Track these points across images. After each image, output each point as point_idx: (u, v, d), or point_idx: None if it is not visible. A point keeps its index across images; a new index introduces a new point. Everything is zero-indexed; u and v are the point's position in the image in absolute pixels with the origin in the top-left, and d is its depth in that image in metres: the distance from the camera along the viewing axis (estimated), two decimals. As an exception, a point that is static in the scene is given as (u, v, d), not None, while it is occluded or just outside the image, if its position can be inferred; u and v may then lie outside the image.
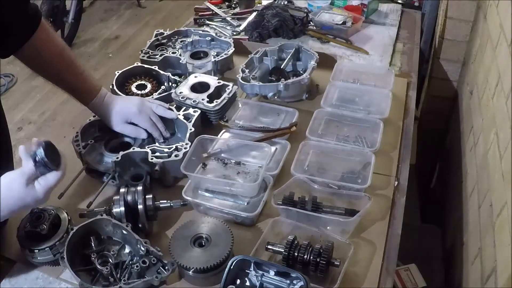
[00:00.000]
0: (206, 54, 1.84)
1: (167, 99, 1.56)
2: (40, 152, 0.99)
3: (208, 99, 1.51)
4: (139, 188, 1.20)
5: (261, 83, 1.61)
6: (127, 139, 1.44)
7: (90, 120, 1.45)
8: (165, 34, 1.90)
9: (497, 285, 1.02)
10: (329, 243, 1.11)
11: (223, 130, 1.51)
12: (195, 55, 1.85)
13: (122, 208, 1.16)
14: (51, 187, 1.02)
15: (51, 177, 1.01)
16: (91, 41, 4.60)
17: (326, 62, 1.80)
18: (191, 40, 1.89)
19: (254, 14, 2.19)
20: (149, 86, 1.64)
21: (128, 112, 1.40)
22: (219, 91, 1.56)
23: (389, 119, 1.53)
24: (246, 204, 1.28)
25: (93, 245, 1.13)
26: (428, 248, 1.74)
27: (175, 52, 1.80)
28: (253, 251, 1.11)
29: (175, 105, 1.51)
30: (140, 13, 5.12)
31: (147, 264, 1.07)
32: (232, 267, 1.04)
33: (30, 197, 1.00)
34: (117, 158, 1.30)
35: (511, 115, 1.15)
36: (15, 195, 0.99)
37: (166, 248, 1.11)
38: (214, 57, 1.76)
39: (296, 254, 1.09)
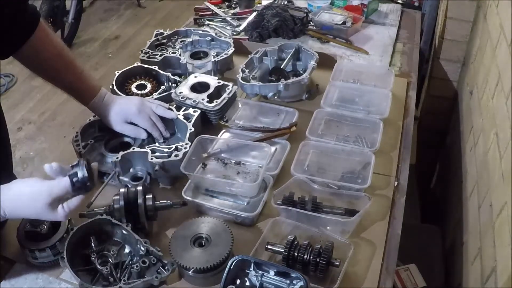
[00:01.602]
0: (206, 54, 1.84)
1: (167, 99, 1.56)
2: (83, 173, 0.97)
3: (208, 99, 1.51)
4: (139, 188, 1.20)
5: (261, 83, 1.61)
6: (127, 139, 1.44)
7: (90, 120, 1.45)
8: (165, 34, 1.90)
9: (497, 285, 1.02)
10: (329, 243, 1.11)
11: (223, 130, 1.51)
12: (195, 55, 1.85)
13: (122, 208, 1.16)
14: (72, 211, 1.01)
15: (76, 201, 1.01)
16: (91, 41, 4.60)
17: (326, 62, 1.80)
18: (191, 40, 1.89)
19: (254, 14, 2.19)
20: (149, 86, 1.64)
21: (128, 112, 1.40)
22: (219, 91, 1.56)
23: (389, 119, 1.53)
24: (246, 204, 1.28)
25: (93, 245, 1.13)
26: (428, 248, 1.74)
27: (175, 52, 1.80)
28: (253, 251, 1.11)
29: (175, 105, 1.51)
30: (140, 13, 5.13)
31: (147, 264, 1.07)
32: (232, 267, 1.04)
33: (48, 217, 1.00)
34: (117, 158, 1.30)
35: (511, 115, 1.15)
36: (35, 209, 0.97)
37: (166, 248, 1.11)
38: (214, 57, 1.76)
39: (296, 254, 1.09)
